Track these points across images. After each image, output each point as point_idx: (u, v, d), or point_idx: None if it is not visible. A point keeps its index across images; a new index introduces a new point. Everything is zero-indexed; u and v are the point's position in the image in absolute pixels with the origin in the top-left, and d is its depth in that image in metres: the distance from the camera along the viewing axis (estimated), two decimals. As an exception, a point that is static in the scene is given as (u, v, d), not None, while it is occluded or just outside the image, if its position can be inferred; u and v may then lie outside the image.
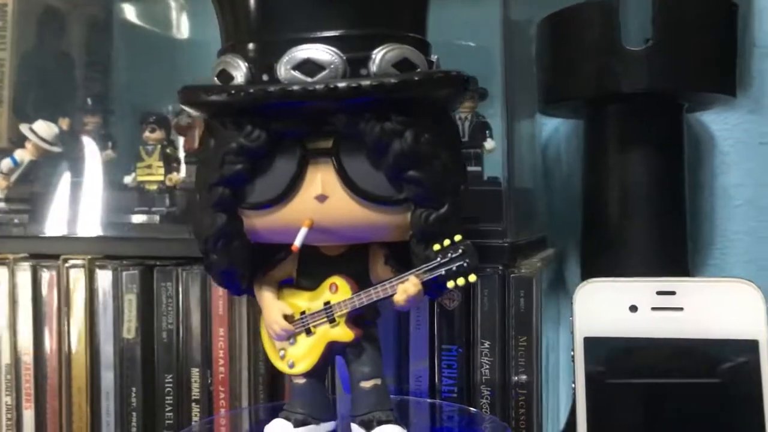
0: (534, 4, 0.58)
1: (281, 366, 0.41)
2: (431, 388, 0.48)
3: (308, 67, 0.36)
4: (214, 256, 0.40)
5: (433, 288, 0.38)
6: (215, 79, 0.40)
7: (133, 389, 0.52)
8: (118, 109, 0.73)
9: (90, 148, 0.68)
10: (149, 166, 0.60)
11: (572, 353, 0.45)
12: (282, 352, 0.41)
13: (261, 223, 0.39)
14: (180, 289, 0.51)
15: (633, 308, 0.45)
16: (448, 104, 0.40)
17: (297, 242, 0.38)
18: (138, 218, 0.59)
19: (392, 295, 0.38)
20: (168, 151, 0.61)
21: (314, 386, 0.41)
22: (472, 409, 0.46)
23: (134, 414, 0.52)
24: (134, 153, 0.75)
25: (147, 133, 0.60)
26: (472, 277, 0.37)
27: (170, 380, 0.52)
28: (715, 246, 0.67)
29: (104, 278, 0.53)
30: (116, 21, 0.80)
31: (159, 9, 0.82)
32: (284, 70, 0.37)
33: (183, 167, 0.61)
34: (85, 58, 0.77)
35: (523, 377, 0.46)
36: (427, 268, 0.37)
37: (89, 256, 0.53)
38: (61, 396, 0.54)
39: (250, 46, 0.39)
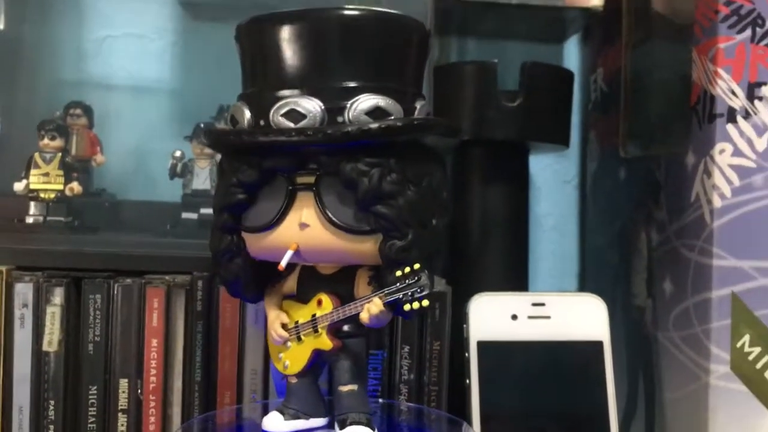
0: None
1: (279, 366, 0.47)
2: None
3: (293, 115, 0.42)
4: (221, 269, 0.46)
5: (397, 309, 0.43)
6: (229, 121, 0.45)
7: (51, 402, 0.52)
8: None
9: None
10: (47, 175, 0.59)
11: (467, 355, 0.55)
12: (280, 355, 0.47)
13: (257, 243, 0.45)
14: (110, 301, 0.52)
15: (514, 317, 0.56)
16: (428, 146, 0.46)
17: (282, 262, 0.44)
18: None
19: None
20: (68, 160, 0.60)
21: (306, 386, 0.46)
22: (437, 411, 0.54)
23: (51, 427, 0.52)
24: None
25: (46, 141, 0.59)
26: (425, 303, 0.42)
27: (94, 391, 0.52)
28: (531, 263, 0.82)
29: (23, 290, 0.51)
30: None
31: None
32: (275, 116, 0.43)
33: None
34: None
35: (435, 376, 0.55)
36: (387, 292, 0.42)
37: (5, 267, 0.52)
38: (-37, 413, 0.51)
39: (252, 96, 0.45)
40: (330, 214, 0.43)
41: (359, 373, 0.45)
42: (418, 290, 0.42)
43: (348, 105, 0.42)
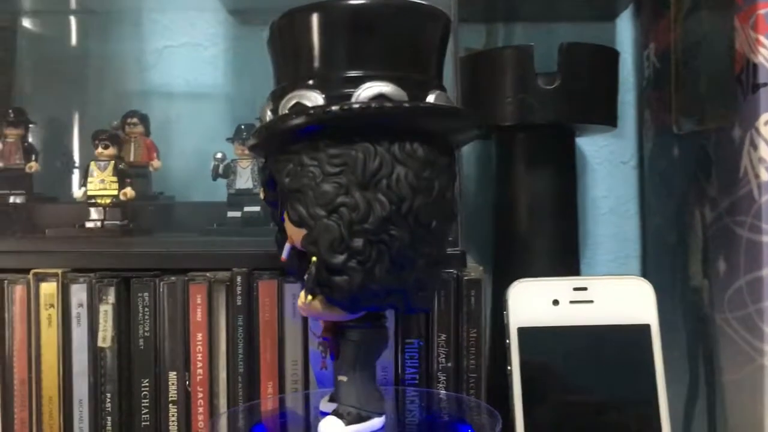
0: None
1: None
2: (396, 377, 0.55)
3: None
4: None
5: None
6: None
7: (108, 395, 0.55)
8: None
9: (14, 160, 0.68)
10: (102, 181, 0.63)
11: (507, 341, 0.55)
12: None
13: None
14: (157, 299, 0.55)
15: (555, 302, 0.55)
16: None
17: (283, 255, 0.46)
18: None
19: None
20: (121, 167, 0.63)
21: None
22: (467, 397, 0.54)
23: (109, 418, 0.55)
24: (50, 164, 0.76)
25: (100, 149, 0.63)
26: (306, 297, 0.42)
27: (147, 384, 0.55)
28: (587, 247, 0.81)
29: (78, 290, 0.55)
30: (21, 32, 0.80)
31: (62, 21, 0.82)
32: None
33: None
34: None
35: (473, 363, 0.55)
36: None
37: (61, 270, 0.55)
38: (30, 406, 0.55)
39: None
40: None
41: (356, 363, 0.44)
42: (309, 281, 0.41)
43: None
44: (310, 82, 0.42)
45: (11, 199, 0.68)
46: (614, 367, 0.55)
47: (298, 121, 0.40)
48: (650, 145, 0.76)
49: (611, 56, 0.67)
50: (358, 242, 0.40)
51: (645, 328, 0.56)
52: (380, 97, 0.41)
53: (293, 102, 0.42)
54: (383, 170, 0.40)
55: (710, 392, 0.64)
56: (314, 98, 0.42)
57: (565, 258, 0.68)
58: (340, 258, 0.40)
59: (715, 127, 0.61)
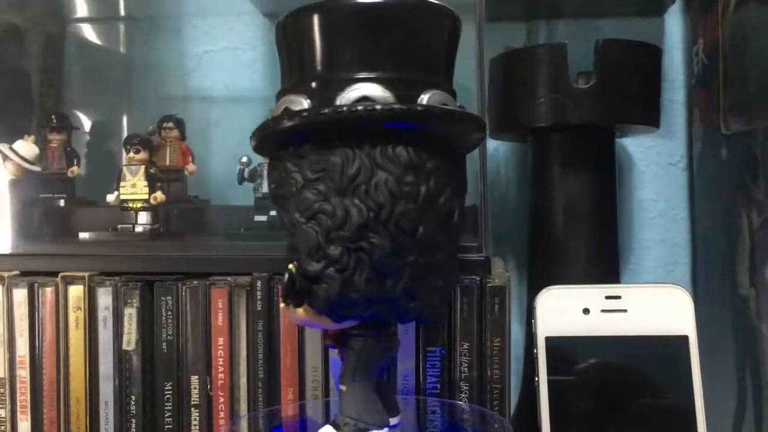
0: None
1: None
2: (417, 386, 0.54)
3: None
4: None
5: None
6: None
7: (132, 397, 0.56)
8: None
9: (57, 164, 0.70)
10: (134, 185, 0.63)
11: (535, 351, 0.53)
12: None
13: None
14: (179, 302, 0.55)
15: (586, 311, 0.53)
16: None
17: None
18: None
19: None
20: (152, 171, 0.64)
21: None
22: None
23: (133, 420, 0.56)
24: (93, 169, 0.78)
25: (131, 154, 0.64)
26: (283, 304, 0.42)
27: (170, 388, 0.55)
28: (633, 253, 0.77)
29: (104, 294, 0.56)
30: (69, 39, 0.83)
31: (110, 28, 0.84)
32: None
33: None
34: (40, 75, 0.79)
35: (497, 373, 0.53)
36: None
37: (87, 273, 0.56)
38: (59, 407, 0.56)
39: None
40: None
41: (356, 372, 0.43)
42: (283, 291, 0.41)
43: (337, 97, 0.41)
44: (298, 86, 0.42)
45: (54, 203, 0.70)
46: (649, 380, 0.52)
47: (278, 126, 0.40)
48: (699, 145, 0.72)
49: (652, 53, 0.64)
50: (336, 250, 0.39)
51: (683, 340, 0.53)
52: (364, 99, 0.40)
53: (283, 107, 0.42)
54: (362, 176, 0.39)
55: (757, 408, 0.60)
56: (300, 102, 0.41)
57: (602, 264, 0.65)
58: (317, 266, 0.39)
59: (763, 127, 0.57)
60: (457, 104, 0.44)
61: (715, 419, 0.67)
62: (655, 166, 0.77)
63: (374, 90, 0.40)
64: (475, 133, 0.43)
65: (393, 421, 0.46)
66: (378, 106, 0.39)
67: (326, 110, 0.39)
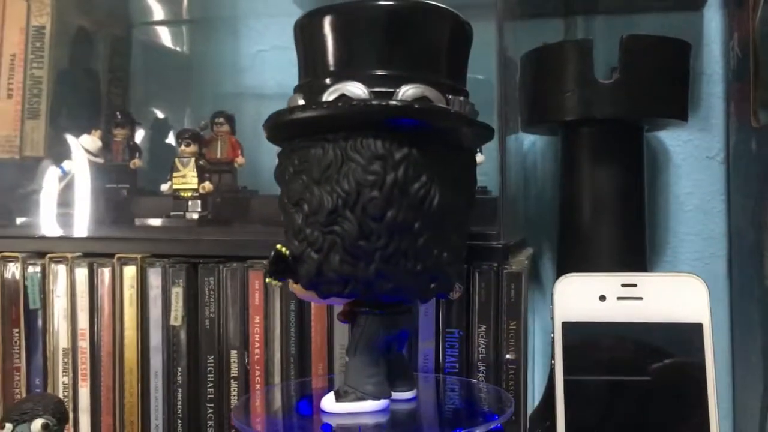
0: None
1: None
2: (436, 365, 0.57)
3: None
4: None
5: None
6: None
7: (179, 369, 0.61)
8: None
9: (121, 157, 0.76)
10: (184, 176, 0.69)
11: (552, 335, 0.55)
12: None
13: None
14: (220, 283, 0.60)
15: (602, 297, 0.55)
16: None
17: None
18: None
19: None
20: (201, 163, 0.69)
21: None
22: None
23: (179, 390, 0.61)
24: (156, 161, 0.83)
25: (183, 147, 0.69)
26: (267, 279, 0.46)
27: (212, 361, 0.60)
28: (669, 245, 0.78)
29: (154, 274, 0.61)
30: (135, 40, 0.89)
31: (173, 30, 0.90)
32: None
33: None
34: (108, 75, 0.85)
35: (513, 355, 0.56)
36: None
37: (140, 255, 0.62)
38: (114, 376, 0.62)
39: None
40: None
41: (357, 346, 0.47)
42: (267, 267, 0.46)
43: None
44: (299, 85, 0.47)
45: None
46: (662, 366, 0.54)
47: (269, 123, 0.46)
48: (734, 139, 0.73)
49: (679, 48, 0.65)
50: (312, 233, 0.43)
51: (697, 327, 0.54)
52: (342, 97, 0.44)
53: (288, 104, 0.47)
54: (333, 166, 0.43)
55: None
56: (297, 101, 0.46)
57: (629, 256, 0.67)
58: (299, 247, 0.44)
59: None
60: (463, 99, 0.46)
61: (746, 401, 0.68)
62: (693, 160, 0.78)
63: (353, 87, 0.44)
64: (461, 126, 0.45)
65: (409, 395, 0.50)
66: (345, 103, 0.43)
67: (301, 112, 0.44)
